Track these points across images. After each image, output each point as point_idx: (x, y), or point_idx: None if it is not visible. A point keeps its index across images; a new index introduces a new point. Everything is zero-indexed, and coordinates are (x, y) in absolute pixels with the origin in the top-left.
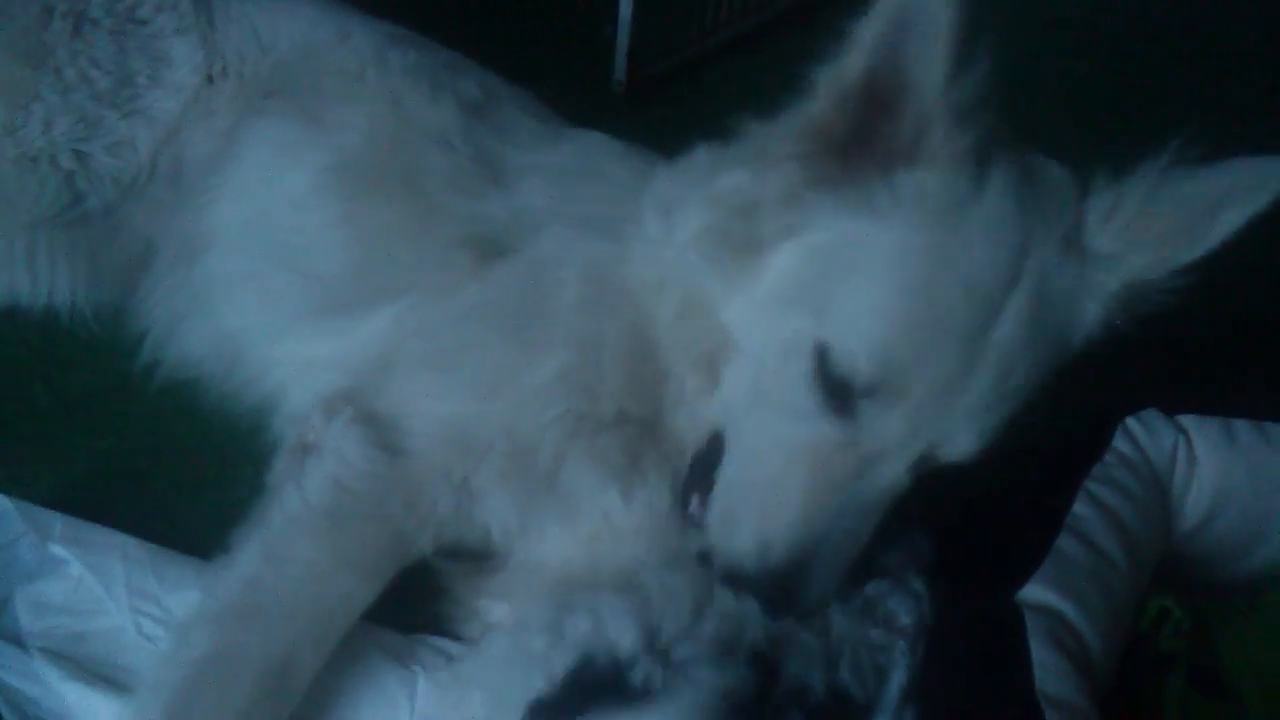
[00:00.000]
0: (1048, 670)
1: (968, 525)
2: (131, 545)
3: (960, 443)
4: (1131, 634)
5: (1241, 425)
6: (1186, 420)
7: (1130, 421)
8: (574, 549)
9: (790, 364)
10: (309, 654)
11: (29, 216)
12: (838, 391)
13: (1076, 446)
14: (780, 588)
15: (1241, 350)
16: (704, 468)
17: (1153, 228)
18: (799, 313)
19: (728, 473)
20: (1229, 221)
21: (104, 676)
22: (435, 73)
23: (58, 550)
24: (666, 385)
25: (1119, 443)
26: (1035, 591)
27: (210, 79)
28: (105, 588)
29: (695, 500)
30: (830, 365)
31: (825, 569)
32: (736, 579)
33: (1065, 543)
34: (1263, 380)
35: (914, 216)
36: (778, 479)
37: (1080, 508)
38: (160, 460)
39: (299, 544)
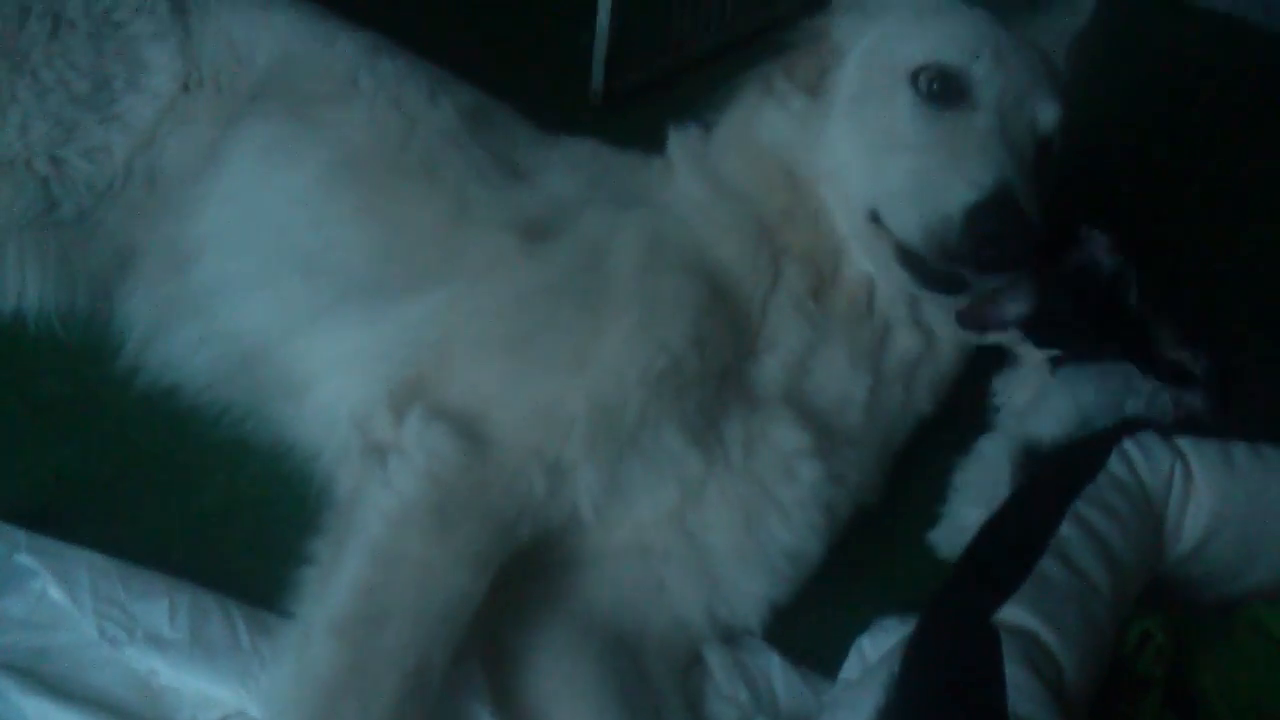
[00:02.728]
0: (1021, 692)
1: None
2: (98, 558)
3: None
4: (1112, 658)
5: (1238, 447)
6: (1184, 443)
7: (1127, 443)
8: (655, 518)
9: (897, 94)
10: (439, 655)
11: (3, 222)
12: (935, 96)
13: (1070, 467)
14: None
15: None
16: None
17: None
18: (886, 68)
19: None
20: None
21: (66, 691)
22: (428, 80)
23: (23, 560)
24: (750, 332)
25: (1113, 465)
26: (1013, 613)
27: (187, 87)
28: (70, 595)
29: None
30: (926, 75)
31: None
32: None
33: (1048, 565)
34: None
35: None
36: (945, 170)
37: (1067, 529)
38: (127, 469)
39: (409, 544)
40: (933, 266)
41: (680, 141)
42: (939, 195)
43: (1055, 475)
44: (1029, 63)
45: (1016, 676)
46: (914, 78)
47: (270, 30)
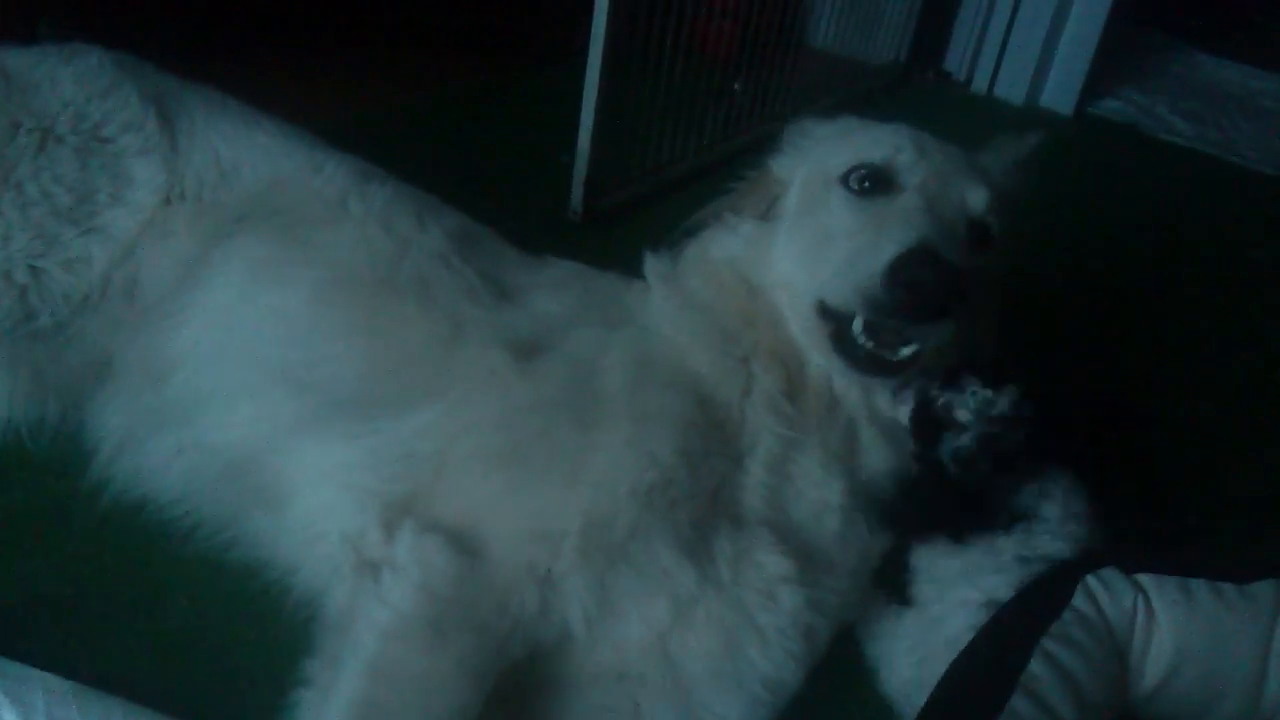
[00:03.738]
0: None
1: None
2: (54, 680)
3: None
4: None
5: (1198, 584)
6: (1145, 579)
7: (1090, 579)
8: (642, 638)
9: (831, 196)
10: None
11: None
12: (866, 190)
13: (1035, 604)
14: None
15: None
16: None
17: None
18: (820, 181)
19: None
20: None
21: None
22: (416, 205)
23: None
24: (732, 437)
25: (1078, 601)
26: None
27: (168, 200)
28: None
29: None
30: (856, 174)
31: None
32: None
33: (1018, 703)
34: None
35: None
36: (873, 242)
37: (1036, 666)
38: (92, 587)
39: (408, 658)
40: (860, 352)
41: (654, 264)
42: (868, 261)
43: (1021, 612)
44: (951, 155)
45: None
46: (844, 178)
47: (256, 150)
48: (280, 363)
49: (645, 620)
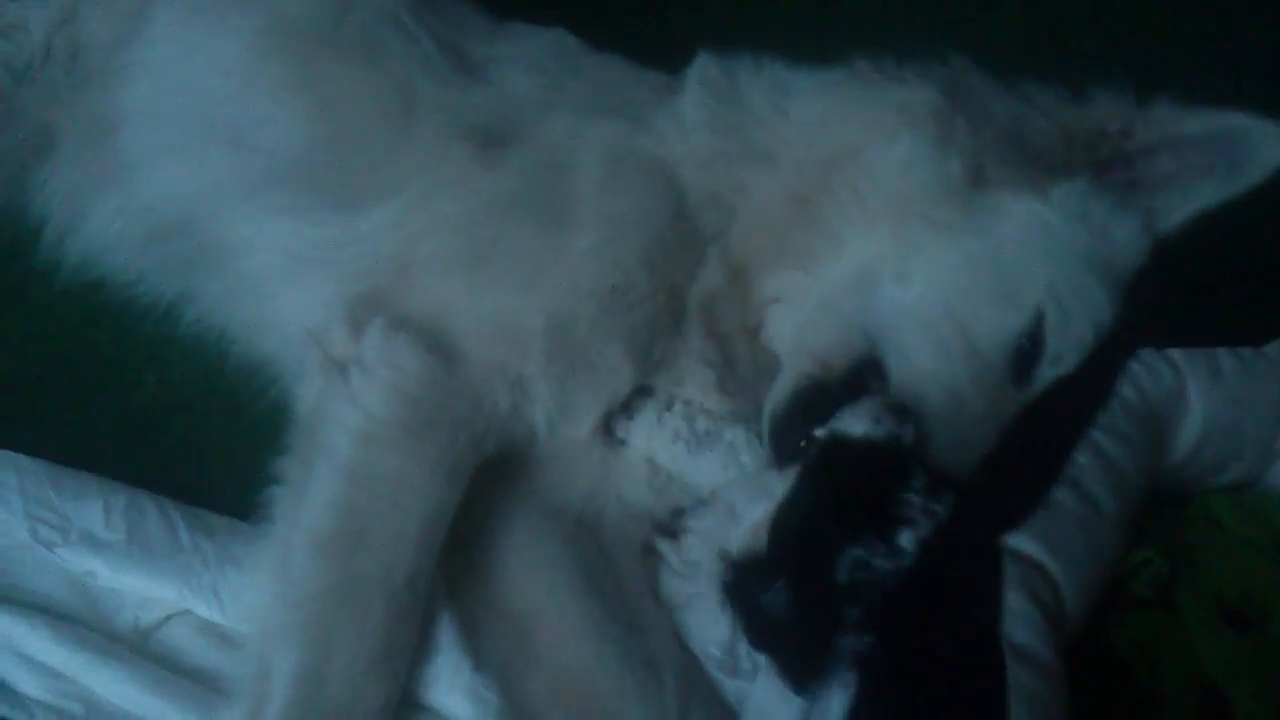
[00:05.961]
0: (1018, 618)
1: None
2: (26, 459)
3: None
4: (1110, 582)
5: (1222, 354)
6: (1176, 355)
7: (1133, 365)
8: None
9: (997, 317)
10: (425, 566)
11: None
12: (1026, 354)
13: (1084, 395)
14: None
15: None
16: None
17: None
18: (1027, 276)
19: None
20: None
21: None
22: None
23: None
24: (696, 258)
25: (1122, 387)
26: (1023, 543)
27: None
28: None
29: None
30: (1041, 329)
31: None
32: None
33: (1061, 494)
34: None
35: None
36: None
37: (1083, 458)
38: (52, 369)
39: (382, 460)
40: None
41: (706, 66)
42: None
43: (1070, 404)
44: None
45: (1017, 603)
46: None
47: None
48: (220, 119)
49: (590, 417)
